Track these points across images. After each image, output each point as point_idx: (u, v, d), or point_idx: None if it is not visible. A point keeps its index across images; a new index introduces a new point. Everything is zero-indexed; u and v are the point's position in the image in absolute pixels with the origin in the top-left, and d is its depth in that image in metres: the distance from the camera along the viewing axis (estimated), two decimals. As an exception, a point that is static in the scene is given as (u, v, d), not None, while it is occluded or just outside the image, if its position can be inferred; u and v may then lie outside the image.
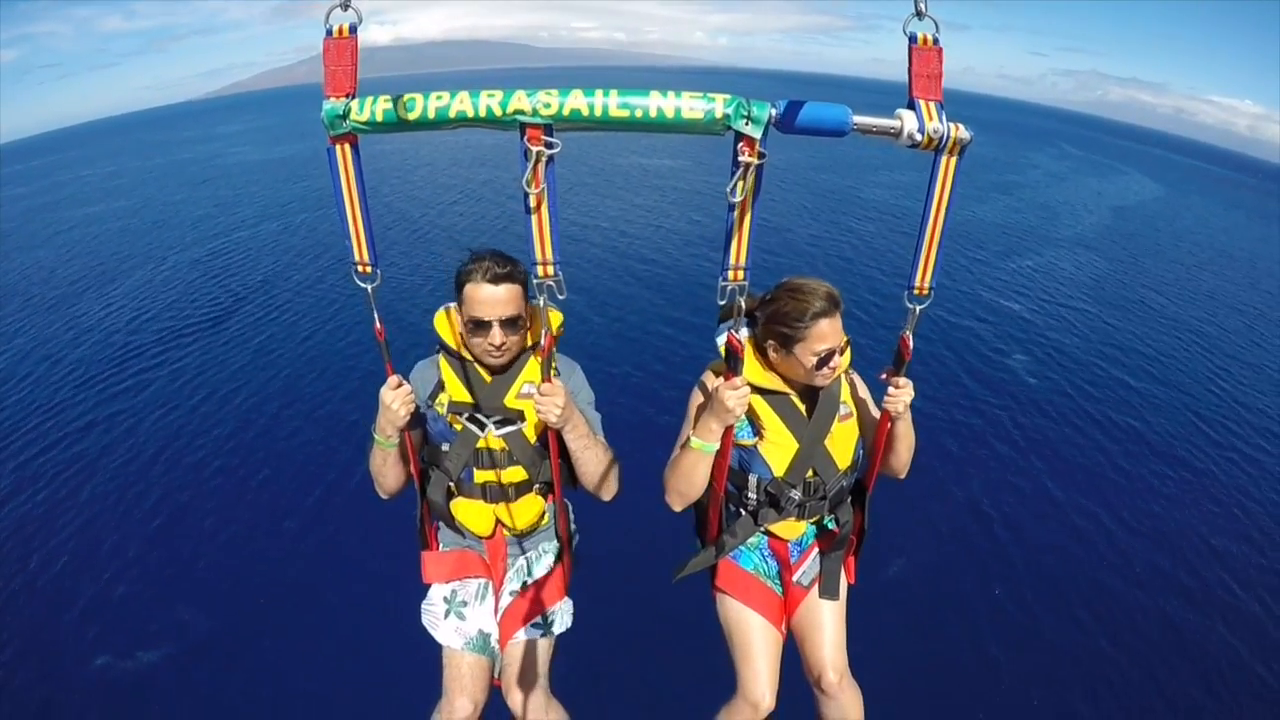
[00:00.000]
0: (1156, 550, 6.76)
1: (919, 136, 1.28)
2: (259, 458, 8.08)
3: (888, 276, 13.85)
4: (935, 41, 1.30)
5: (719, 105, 1.29)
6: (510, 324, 1.86)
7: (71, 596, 6.19)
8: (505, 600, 2.11)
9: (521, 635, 2.05)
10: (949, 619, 5.77)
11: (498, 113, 1.32)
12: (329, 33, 1.37)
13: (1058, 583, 6.32)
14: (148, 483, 7.73)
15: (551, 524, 2.16)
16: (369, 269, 1.55)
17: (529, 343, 1.98)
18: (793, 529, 1.99)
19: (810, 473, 1.91)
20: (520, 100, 1.31)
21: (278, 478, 7.72)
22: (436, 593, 2.14)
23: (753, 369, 1.85)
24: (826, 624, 1.96)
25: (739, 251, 1.40)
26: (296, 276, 14.74)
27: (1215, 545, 6.88)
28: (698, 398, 1.91)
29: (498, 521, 2.07)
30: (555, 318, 1.81)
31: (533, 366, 1.96)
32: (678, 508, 1.89)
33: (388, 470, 1.95)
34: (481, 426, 1.96)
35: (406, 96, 1.35)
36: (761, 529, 1.99)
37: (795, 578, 2.02)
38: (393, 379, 1.79)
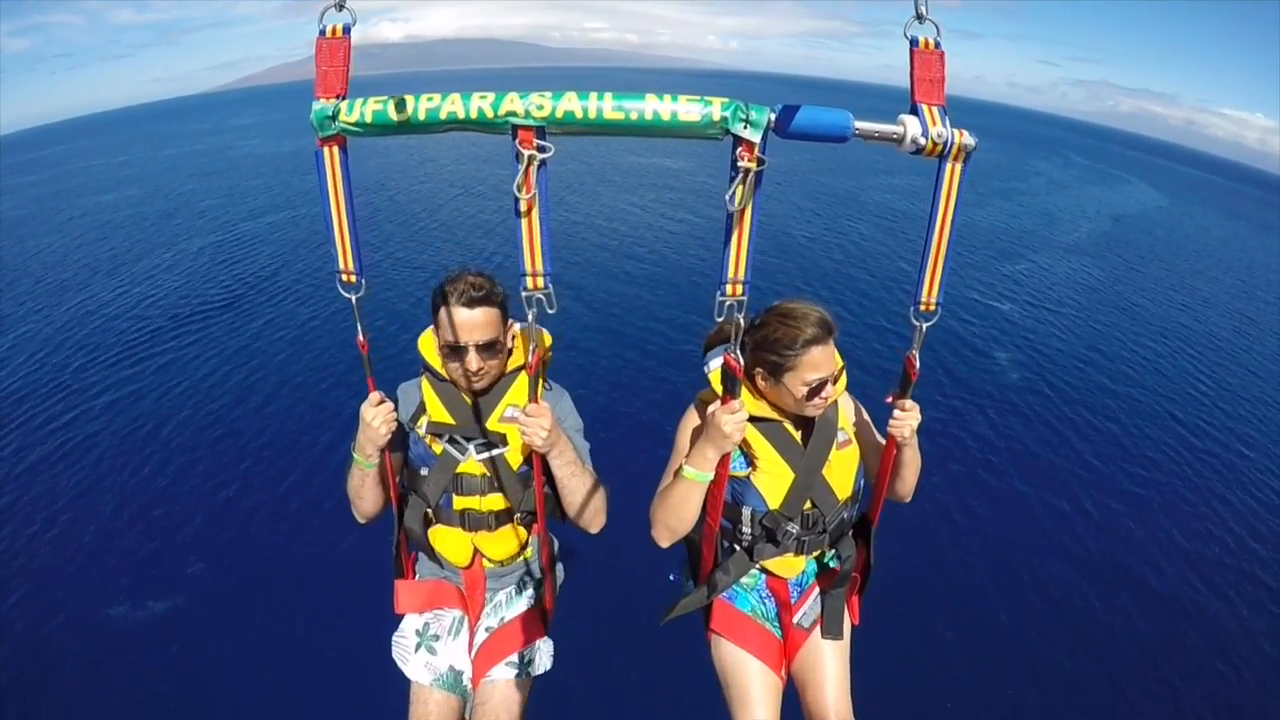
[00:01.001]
0: (1185, 579, 6.57)
1: (923, 142, 1.23)
2: (255, 430, 8.40)
3: (890, 288, 13.72)
4: (937, 45, 1.25)
5: (716, 108, 1.24)
6: (486, 349, 1.77)
7: (87, 552, 6.56)
8: (481, 636, 2.01)
9: (495, 674, 1.93)
10: (959, 660, 5.49)
11: (490, 115, 1.28)
12: (322, 32, 1.33)
13: (1081, 619, 6.06)
14: (154, 449, 8.14)
15: (534, 556, 2.06)
16: (354, 278, 1.48)
17: (509, 367, 1.89)
18: (791, 566, 1.88)
19: (808, 504, 1.79)
20: (513, 102, 1.27)
21: (272, 447, 8.11)
22: (409, 624, 2.04)
23: (744, 395, 1.72)
24: (829, 667, 1.84)
25: (738, 263, 1.31)
26: (299, 265, 14.92)
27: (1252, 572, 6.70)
28: (687, 426, 1.81)
29: (476, 551, 1.97)
30: (543, 338, 1.73)
31: (518, 388, 1.87)
32: (665, 543, 1.76)
33: (365, 492, 1.85)
34: (462, 450, 1.88)
35: (397, 98, 1.32)
36: (758, 566, 1.88)
37: (795, 619, 1.90)
38: (374, 395, 1.72)
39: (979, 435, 8.69)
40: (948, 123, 1.25)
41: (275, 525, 6.88)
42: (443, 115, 1.29)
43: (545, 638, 2.05)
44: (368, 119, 1.31)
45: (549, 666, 2.03)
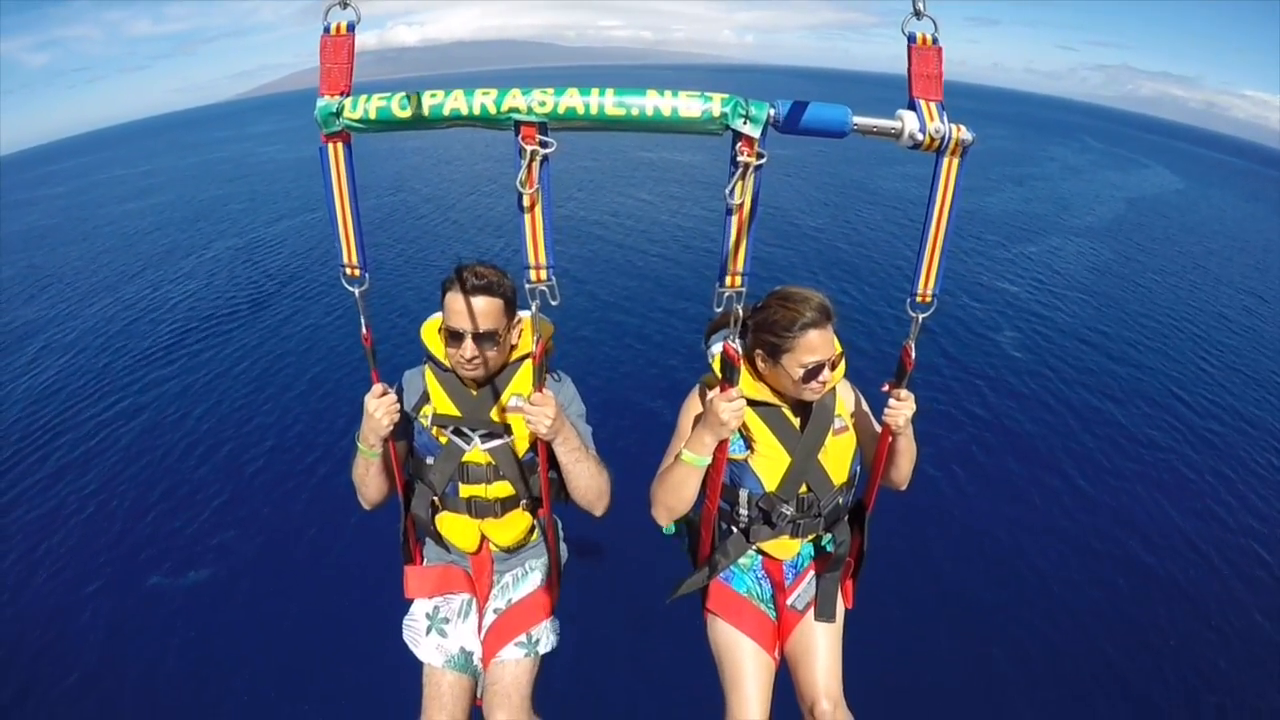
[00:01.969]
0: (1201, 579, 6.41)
1: (920, 137, 1.25)
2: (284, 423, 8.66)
3: (896, 277, 13.59)
4: (934, 41, 1.27)
5: (716, 104, 1.26)
6: (485, 338, 1.78)
7: (127, 527, 6.94)
8: (489, 618, 2.06)
9: (505, 654, 1.98)
10: (951, 644, 5.51)
11: (492, 111, 1.30)
12: (326, 29, 1.36)
13: (1076, 603, 6.00)
14: (194, 437, 8.49)
15: (540, 540, 2.11)
16: (358, 272, 1.51)
17: (511, 358, 1.92)
18: (787, 548, 1.93)
19: (804, 488, 1.84)
20: (515, 98, 1.29)
21: (294, 430, 8.46)
22: (419, 608, 2.08)
23: (744, 380, 1.78)
24: (821, 649, 1.88)
25: (737, 256, 1.35)
26: (321, 264, 15.09)
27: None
28: (689, 410, 1.85)
29: (484, 537, 2.02)
30: (546, 327, 1.76)
31: (521, 378, 1.90)
32: (664, 522, 1.84)
33: (370, 480, 1.89)
34: (467, 440, 1.92)
35: (400, 95, 1.34)
36: (754, 547, 1.93)
37: (789, 601, 1.95)
38: (377, 387, 1.75)
39: (975, 415, 8.62)
40: (945, 118, 1.26)
41: (296, 497, 7.18)
42: (446, 111, 1.31)
43: (551, 617, 2.09)
44: (371, 115, 1.34)
45: (555, 645, 2.08)
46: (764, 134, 1.26)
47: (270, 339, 11.31)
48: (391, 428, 1.78)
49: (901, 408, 1.64)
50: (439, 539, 2.05)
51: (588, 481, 1.85)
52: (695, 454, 1.68)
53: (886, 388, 1.66)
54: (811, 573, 1.98)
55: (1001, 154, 35.42)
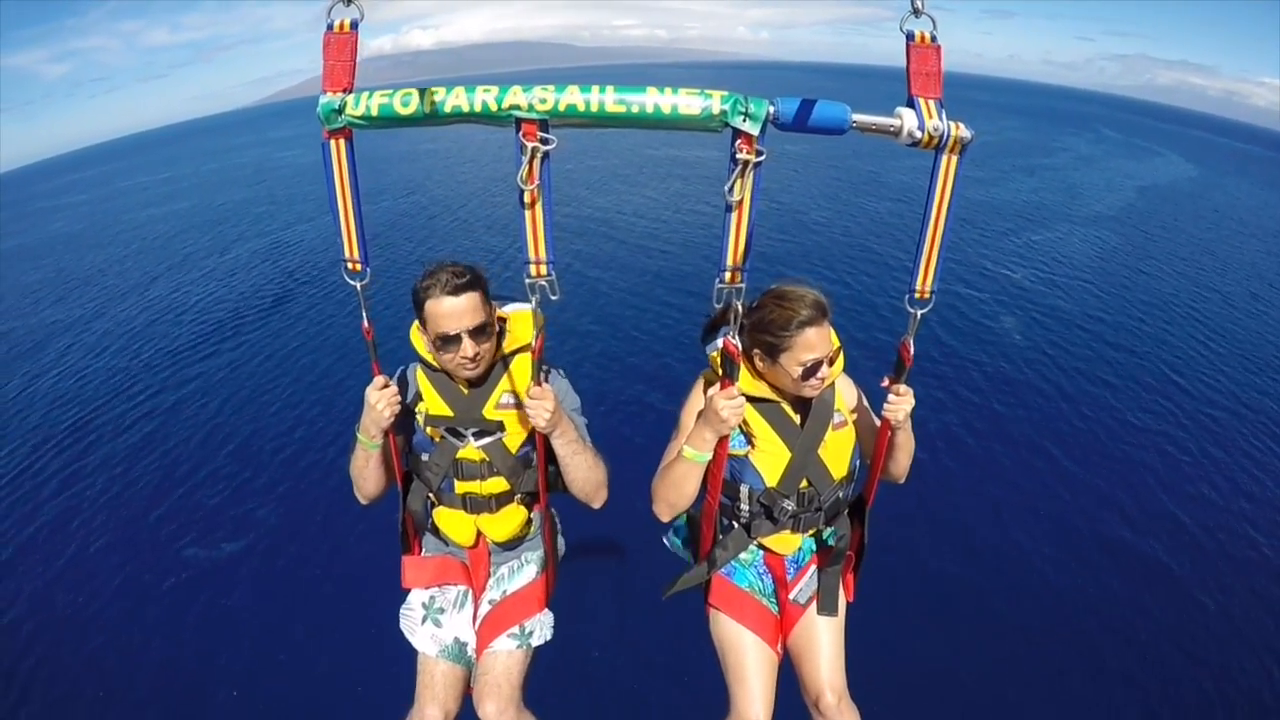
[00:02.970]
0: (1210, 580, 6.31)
1: (919, 134, 1.26)
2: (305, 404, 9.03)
3: (893, 271, 13.53)
4: (933, 39, 1.29)
5: (716, 101, 1.27)
6: (479, 332, 1.79)
7: (163, 502, 7.34)
8: (484, 609, 2.08)
9: (498, 645, 2.00)
10: (953, 637, 5.48)
11: (493, 108, 1.32)
12: (330, 27, 1.37)
13: (1080, 591, 5.95)
14: (220, 425, 8.86)
15: (536, 534, 2.13)
16: (359, 266, 1.54)
17: (504, 350, 1.92)
18: (788, 543, 1.94)
19: (804, 483, 1.85)
20: (516, 95, 1.31)
21: (320, 416, 8.80)
22: (415, 598, 2.11)
23: (743, 377, 1.78)
24: (824, 643, 1.89)
25: (736, 252, 1.37)
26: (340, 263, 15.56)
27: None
28: (690, 406, 1.86)
29: (479, 532, 2.04)
30: (537, 320, 1.79)
31: (512, 374, 1.91)
32: (665, 518, 1.84)
33: (369, 473, 1.91)
34: (460, 438, 1.93)
35: (402, 91, 1.35)
36: (755, 542, 1.93)
37: (791, 595, 1.96)
38: (378, 379, 1.77)
39: (970, 401, 8.60)
40: (944, 116, 1.28)
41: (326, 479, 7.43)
42: (448, 108, 1.33)
43: (546, 610, 2.11)
44: (373, 112, 1.36)
45: (549, 638, 2.09)
46: (763, 131, 1.27)
47: (290, 333, 11.62)
48: (392, 419, 1.79)
49: (901, 403, 1.64)
50: (437, 532, 2.07)
51: (585, 474, 1.87)
52: (696, 450, 1.70)
53: (886, 383, 1.67)
54: (813, 567, 1.99)
55: (1014, 145, 34.95)
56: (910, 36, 1.27)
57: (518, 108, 1.31)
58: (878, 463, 1.79)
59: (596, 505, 1.94)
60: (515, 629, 2.02)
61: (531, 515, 2.07)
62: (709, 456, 1.70)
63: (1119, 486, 7.26)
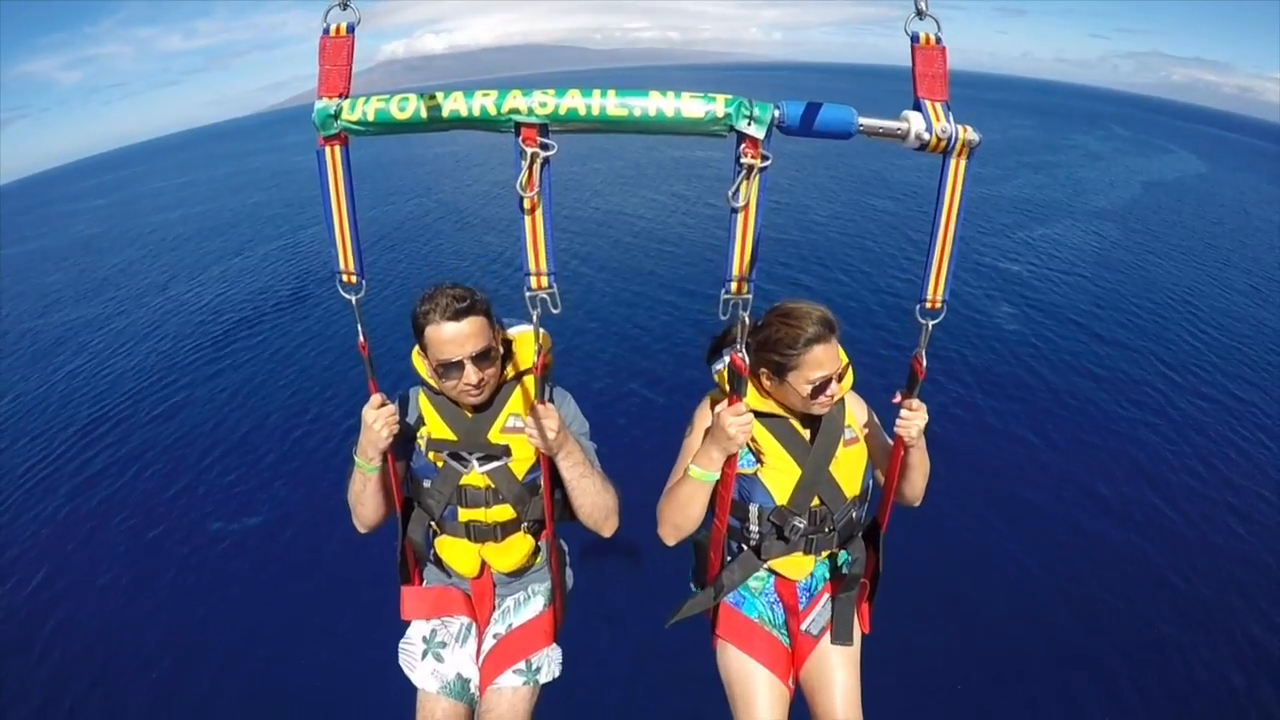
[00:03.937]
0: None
1: (926, 137, 1.22)
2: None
3: (903, 280, 13.52)
4: (938, 41, 1.25)
5: (719, 105, 1.23)
6: (482, 358, 1.72)
7: (189, 478, 7.78)
8: (489, 643, 1.97)
9: (503, 682, 1.89)
10: (973, 669, 5.23)
11: (492, 112, 1.28)
12: (326, 31, 1.33)
13: (1108, 614, 5.68)
14: (234, 407, 9.33)
15: (544, 564, 2.01)
16: (354, 279, 1.46)
17: (509, 374, 1.85)
18: (800, 566, 1.86)
19: (816, 500, 1.78)
20: (515, 99, 1.27)
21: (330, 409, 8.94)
22: (415, 631, 2.00)
23: (750, 394, 1.73)
24: (838, 676, 1.80)
25: (742, 261, 1.31)
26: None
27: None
28: (697, 425, 1.80)
29: (484, 562, 1.93)
30: (545, 340, 1.69)
31: (518, 398, 1.84)
32: (671, 541, 1.77)
33: (366, 498, 1.80)
34: (464, 463, 1.85)
35: (399, 97, 1.32)
36: (766, 565, 1.86)
37: (804, 626, 1.88)
38: (375, 397, 1.67)
39: (975, 402, 8.55)
40: (951, 118, 1.24)
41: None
42: (445, 114, 1.29)
43: (554, 645, 2.01)
44: (370, 118, 1.31)
45: (558, 674, 1.98)
46: (768, 135, 1.23)
47: (297, 329, 11.93)
48: (391, 440, 1.71)
49: (914, 418, 1.59)
50: (439, 563, 1.98)
51: (594, 499, 1.79)
52: (703, 469, 1.64)
53: (898, 399, 1.61)
54: (826, 596, 1.92)
55: (1023, 143, 34.79)
56: (915, 38, 1.24)
57: (517, 112, 1.27)
58: (891, 483, 1.72)
59: (607, 534, 1.85)
60: (522, 664, 1.92)
61: (539, 544, 1.97)
62: (716, 476, 1.64)
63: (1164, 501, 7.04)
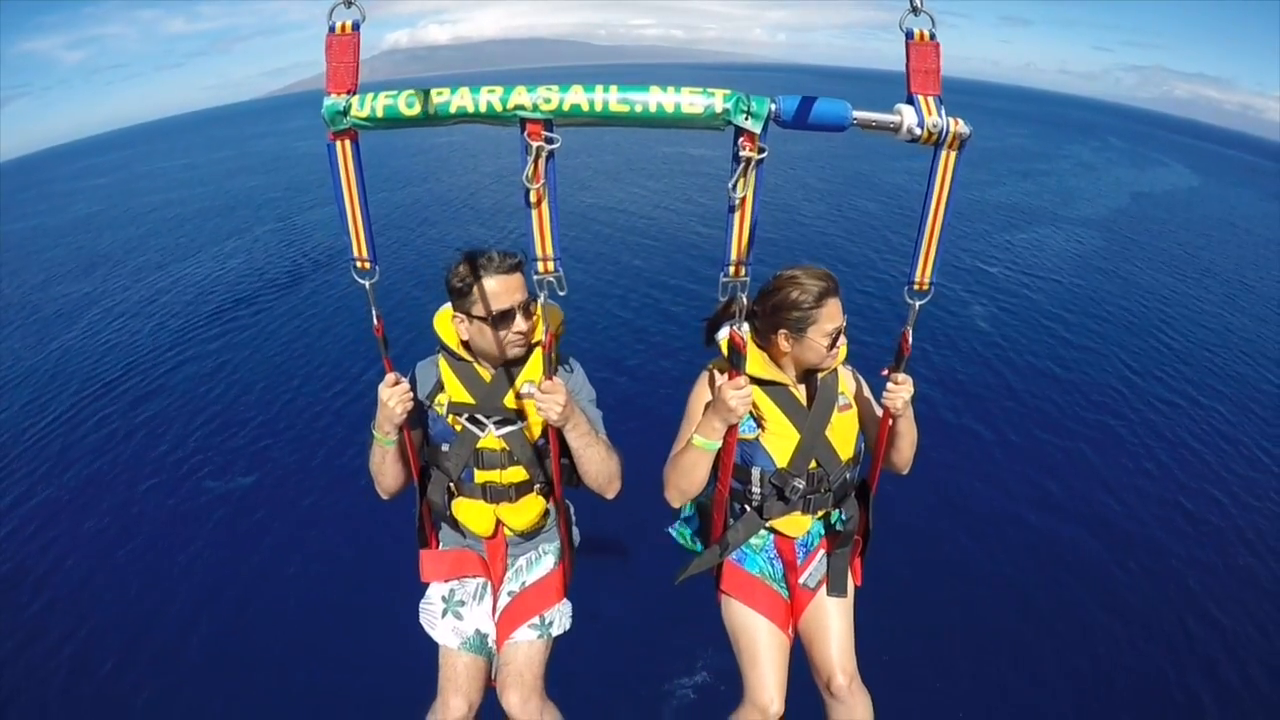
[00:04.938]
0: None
1: (918, 131, 1.29)
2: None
3: (890, 265, 13.63)
4: (932, 37, 1.31)
5: (718, 100, 1.28)
6: (526, 309, 1.85)
7: (189, 443, 8.40)
8: (504, 600, 2.10)
9: (519, 636, 2.03)
10: (959, 618, 5.62)
11: (498, 108, 1.32)
12: (331, 29, 1.37)
13: (1074, 572, 6.14)
14: (246, 384, 9.75)
15: (553, 525, 2.15)
16: (368, 265, 1.55)
17: (534, 338, 1.94)
18: (798, 524, 1.97)
19: (813, 463, 1.89)
20: (520, 95, 1.31)
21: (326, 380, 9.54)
22: (435, 591, 2.12)
23: (752, 361, 1.82)
24: (834, 626, 1.94)
25: (740, 247, 1.40)
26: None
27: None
28: (699, 395, 1.90)
29: (499, 522, 2.05)
30: (555, 315, 1.80)
31: (532, 365, 1.94)
32: (677, 504, 1.90)
33: (386, 469, 1.94)
34: (481, 426, 1.95)
35: (407, 93, 1.36)
36: (767, 523, 1.97)
37: (802, 579, 2.00)
38: (390, 376, 1.78)
39: (963, 384, 8.91)
40: (943, 112, 1.30)
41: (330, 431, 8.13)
42: (452, 109, 1.33)
43: (565, 600, 2.13)
44: (379, 113, 1.36)
45: (568, 627, 2.11)
46: (765, 129, 1.29)
47: (303, 308, 12.23)
48: (405, 415, 1.82)
49: (900, 390, 1.70)
50: (455, 524, 2.09)
51: (598, 466, 1.89)
52: (706, 438, 1.75)
53: (885, 372, 1.73)
54: (822, 551, 2.04)
55: (1017, 151, 35.10)
56: (909, 34, 1.29)
57: (522, 108, 1.31)
58: (879, 450, 1.85)
59: (609, 497, 1.97)
60: (536, 619, 2.05)
61: (549, 506, 2.09)
62: (719, 444, 1.75)
63: (1113, 467, 7.52)
